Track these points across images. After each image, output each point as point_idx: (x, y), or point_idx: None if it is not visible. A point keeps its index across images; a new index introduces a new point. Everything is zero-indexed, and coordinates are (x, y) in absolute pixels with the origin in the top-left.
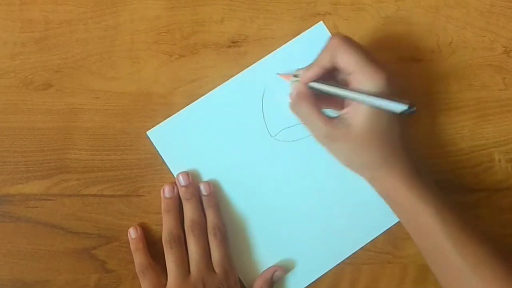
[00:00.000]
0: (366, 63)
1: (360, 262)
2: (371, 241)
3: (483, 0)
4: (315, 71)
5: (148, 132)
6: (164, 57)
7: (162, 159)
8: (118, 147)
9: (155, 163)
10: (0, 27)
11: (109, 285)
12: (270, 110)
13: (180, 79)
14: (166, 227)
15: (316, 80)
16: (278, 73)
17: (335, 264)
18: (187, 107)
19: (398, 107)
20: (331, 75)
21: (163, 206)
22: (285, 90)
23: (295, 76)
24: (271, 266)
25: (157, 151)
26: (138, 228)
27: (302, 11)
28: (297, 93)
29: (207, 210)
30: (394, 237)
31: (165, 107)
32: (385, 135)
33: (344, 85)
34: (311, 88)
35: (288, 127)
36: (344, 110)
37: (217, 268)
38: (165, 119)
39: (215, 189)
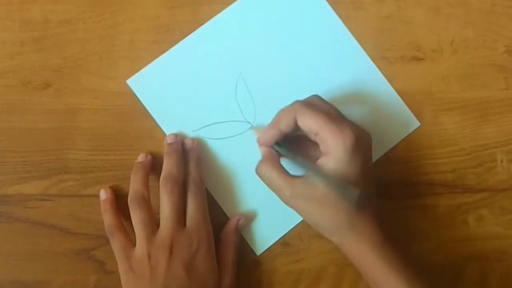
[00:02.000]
0: (331, 123)
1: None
2: None
3: (484, 0)
4: (273, 135)
5: (127, 81)
6: None
7: (144, 107)
8: (117, 147)
9: (155, 163)
10: None
11: (108, 286)
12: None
13: None
14: (131, 188)
15: (279, 143)
16: (253, 128)
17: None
18: (166, 53)
19: (346, 195)
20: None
21: (133, 168)
22: (261, 36)
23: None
24: (234, 215)
25: (139, 99)
26: (108, 190)
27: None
28: (262, 154)
29: (187, 165)
30: (394, 238)
31: None
32: None
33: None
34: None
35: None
36: None
37: (188, 222)
38: None
39: (199, 144)
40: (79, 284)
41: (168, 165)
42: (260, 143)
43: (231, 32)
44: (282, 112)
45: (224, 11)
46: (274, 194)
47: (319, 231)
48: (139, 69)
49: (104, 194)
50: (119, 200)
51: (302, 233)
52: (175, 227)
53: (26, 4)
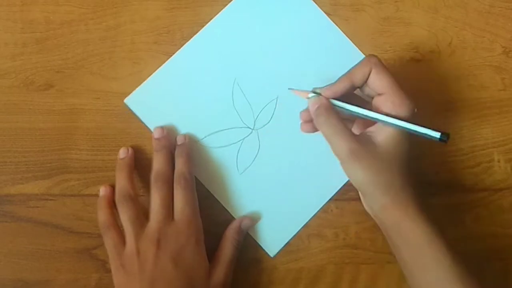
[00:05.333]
0: (399, 87)
1: (360, 262)
2: (372, 240)
3: (482, 1)
4: (344, 85)
5: (125, 100)
6: (164, 58)
7: (144, 124)
8: (118, 147)
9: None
10: (1, 27)
11: (110, 285)
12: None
13: None
14: (116, 186)
15: (339, 99)
16: (291, 88)
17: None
18: (159, 69)
19: (435, 134)
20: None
21: (116, 167)
22: (251, 42)
23: (314, 92)
24: (241, 217)
25: (137, 116)
26: (108, 188)
27: None
28: (319, 107)
29: (177, 160)
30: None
31: None
32: (405, 160)
33: (363, 104)
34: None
35: None
36: (369, 129)
37: (177, 215)
38: None
39: (191, 142)
40: (81, 282)
41: (157, 162)
42: (328, 94)
43: (220, 41)
44: (356, 66)
45: (210, 22)
46: (280, 197)
47: (368, 190)
48: (140, 70)
49: (103, 191)
50: None
51: (302, 232)
52: (163, 221)
53: (27, 5)
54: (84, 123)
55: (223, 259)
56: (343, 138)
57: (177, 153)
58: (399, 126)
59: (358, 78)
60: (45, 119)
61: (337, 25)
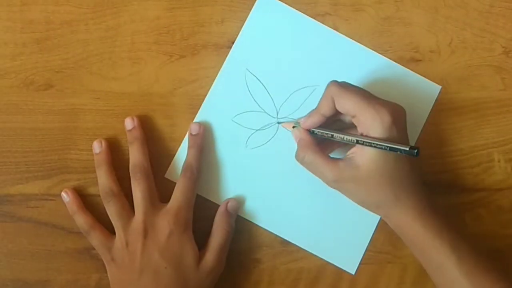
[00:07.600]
0: (367, 104)
1: (360, 262)
2: (372, 240)
3: (482, 1)
4: (316, 119)
5: (166, 175)
6: (164, 58)
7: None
8: (118, 148)
9: (155, 163)
10: (1, 27)
11: (110, 285)
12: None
13: (180, 79)
14: (99, 183)
15: (318, 127)
16: (279, 123)
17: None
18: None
19: (404, 148)
20: (337, 118)
21: (95, 163)
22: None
23: (298, 123)
24: (226, 199)
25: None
26: (69, 191)
27: (302, 12)
28: (299, 142)
29: (189, 149)
30: (394, 237)
31: (165, 108)
32: (394, 173)
33: (352, 126)
34: (314, 135)
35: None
36: (351, 151)
37: (170, 203)
38: (165, 119)
39: (205, 132)
40: (81, 283)
41: (132, 155)
42: (305, 127)
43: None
44: (322, 97)
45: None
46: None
47: (364, 207)
48: (140, 70)
49: (67, 196)
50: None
51: None
52: (148, 212)
53: (27, 5)
54: (84, 123)
55: (212, 245)
56: (324, 170)
57: (190, 143)
58: (371, 146)
59: (325, 110)
60: (45, 119)
61: (337, 25)
